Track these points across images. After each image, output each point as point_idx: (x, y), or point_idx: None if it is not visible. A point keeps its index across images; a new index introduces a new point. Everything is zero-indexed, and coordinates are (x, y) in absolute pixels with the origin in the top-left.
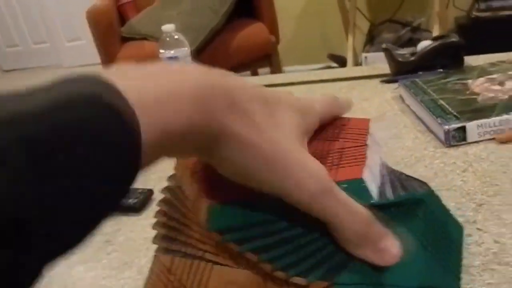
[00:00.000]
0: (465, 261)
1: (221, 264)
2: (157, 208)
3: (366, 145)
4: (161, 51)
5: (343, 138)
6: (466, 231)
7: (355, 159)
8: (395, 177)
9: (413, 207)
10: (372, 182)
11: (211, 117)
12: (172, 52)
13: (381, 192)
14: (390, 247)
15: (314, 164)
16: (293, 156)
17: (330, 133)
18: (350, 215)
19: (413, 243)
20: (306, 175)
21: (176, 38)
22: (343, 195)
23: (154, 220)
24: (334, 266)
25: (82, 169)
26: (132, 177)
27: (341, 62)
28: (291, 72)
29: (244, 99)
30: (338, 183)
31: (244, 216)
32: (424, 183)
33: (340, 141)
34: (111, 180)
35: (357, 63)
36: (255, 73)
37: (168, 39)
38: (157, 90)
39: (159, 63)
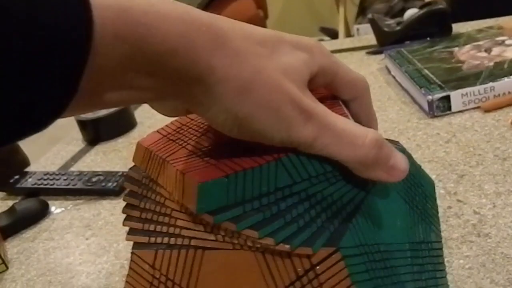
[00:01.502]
0: (444, 234)
1: (214, 249)
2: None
3: (341, 105)
4: None
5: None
6: (446, 203)
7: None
8: None
9: None
10: None
11: (197, 54)
12: None
13: None
14: (399, 162)
15: (316, 106)
16: (305, 104)
17: None
18: (353, 146)
19: (398, 201)
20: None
21: None
22: (340, 125)
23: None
24: (335, 231)
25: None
26: (73, 78)
27: (333, 35)
28: None
29: (236, 38)
30: None
31: (237, 192)
32: (397, 142)
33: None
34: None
35: (349, 35)
36: None
37: None
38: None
39: None
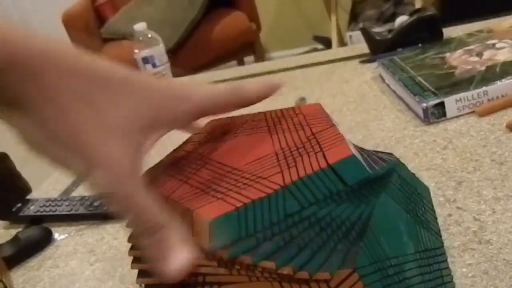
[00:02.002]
0: (445, 242)
1: (230, 283)
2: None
3: (334, 125)
4: (136, 51)
5: (306, 125)
6: (446, 211)
7: (334, 139)
8: (363, 152)
9: (387, 176)
10: (359, 156)
11: (6, 83)
12: (146, 51)
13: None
14: (174, 259)
15: (114, 164)
16: (96, 152)
17: (285, 124)
18: (138, 218)
19: (400, 211)
20: (103, 174)
21: (150, 37)
22: (138, 198)
23: None
24: (348, 251)
25: None
26: None
27: (327, 43)
28: (276, 58)
29: (60, 75)
30: (333, 165)
31: (247, 224)
32: (390, 153)
33: (305, 129)
34: None
35: (342, 42)
36: (241, 63)
37: (141, 38)
38: None
39: None
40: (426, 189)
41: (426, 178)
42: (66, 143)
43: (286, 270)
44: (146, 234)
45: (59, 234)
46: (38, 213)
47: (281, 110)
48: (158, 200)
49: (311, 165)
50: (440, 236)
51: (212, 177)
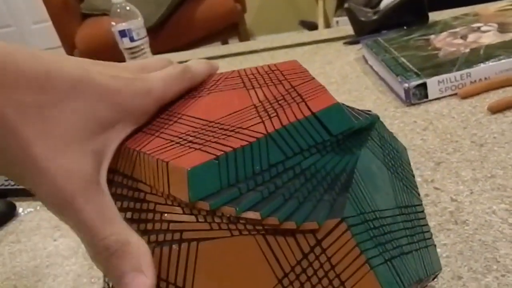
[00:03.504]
0: None
1: (209, 239)
2: None
3: (314, 78)
4: (113, 23)
5: (284, 80)
6: (423, 191)
7: (316, 90)
8: (344, 106)
9: (368, 130)
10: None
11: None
12: (124, 24)
13: None
14: (134, 285)
15: (61, 180)
16: (43, 166)
17: (262, 80)
18: (92, 241)
19: (381, 167)
20: (49, 188)
21: (128, 9)
22: (87, 213)
23: None
24: (335, 202)
25: None
26: None
27: (313, 28)
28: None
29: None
30: (317, 114)
31: (229, 174)
32: (369, 110)
33: (283, 83)
34: None
35: (329, 28)
36: (225, 44)
37: (119, 10)
38: None
39: None
40: (404, 148)
41: None
42: (16, 161)
43: (271, 221)
44: (101, 254)
45: (23, 208)
46: (3, 187)
47: (255, 67)
48: (113, 210)
49: (294, 114)
50: (419, 194)
51: (186, 130)
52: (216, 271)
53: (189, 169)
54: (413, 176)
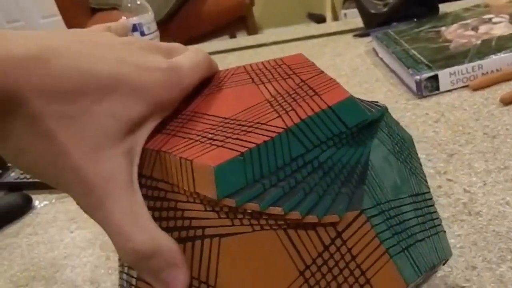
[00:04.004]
0: None
1: (232, 234)
2: None
3: (323, 72)
4: (123, 18)
5: (293, 74)
6: (436, 183)
7: (327, 84)
8: (355, 98)
9: (377, 123)
10: None
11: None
12: (134, 18)
13: None
14: (172, 279)
15: (89, 183)
16: (79, 173)
17: (270, 75)
18: (122, 244)
19: (389, 156)
20: (83, 191)
21: (138, 3)
22: (117, 217)
23: None
24: (353, 194)
25: None
26: None
27: (321, 21)
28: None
29: (31, 89)
30: (333, 107)
31: (254, 170)
32: (376, 101)
33: (293, 77)
34: None
35: (337, 20)
36: (233, 37)
37: (129, 5)
38: None
39: None
40: (410, 137)
41: (417, 150)
42: (52, 166)
43: (293, 215)
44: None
45: (39, 201)
46: (18, 180)
47: (261, 62)
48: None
49: (311, 108)
50: (426, 182)
51: (204, 128)
52: (239, 265)
53: (215, 166)
54: (420, 165)
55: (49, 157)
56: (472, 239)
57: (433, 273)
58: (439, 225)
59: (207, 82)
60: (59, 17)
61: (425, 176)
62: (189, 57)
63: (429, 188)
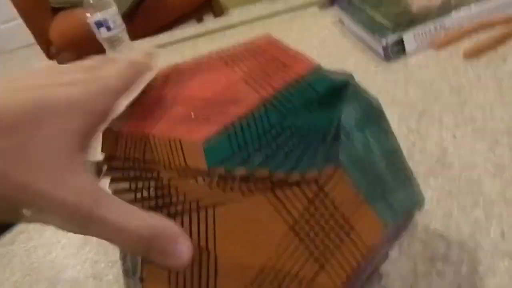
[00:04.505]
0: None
1: (223, 203)
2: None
3: (290, 47)
4: (88, 15)
5: (263, 51)
6: (410, 141)
7: (295, 57)
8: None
9: (345, 89)
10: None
11: None
12: (99, 14)
13: None
14: (178, 250)
15: (73, 197)
16: (49, 201)
17: (241, 55)
18: (124, 240)
19: (360, 117)
20: (65, 215)
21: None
22: (110, 220)
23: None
24: (329, 151)
25: None
26: None
27: None
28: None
29: None
30: (303, 74)
31: (238, 139)
32: (342, 70)
33: (263, 54)
34: None
35: None
36: (200, 21)
37: (92, 1)
38: None
39: None
40: (376, 99)
41: (389, 112)
42: (18, 205)
43: (279, 175)
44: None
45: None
46: None
47: (232, 46)
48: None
49: (283, 79)
50: (396, 139)
51: (186, 110)
52: (235, 230)
53: (203, 140)
54: (389, 125)
55: (9, 198)
56: (447, 189)
57: (411, 222)
58: (411, 177)
59: (182, 72)
60: (20, 21)
61: (394, 135)
62: (115, 66)
63: (399, 145)
